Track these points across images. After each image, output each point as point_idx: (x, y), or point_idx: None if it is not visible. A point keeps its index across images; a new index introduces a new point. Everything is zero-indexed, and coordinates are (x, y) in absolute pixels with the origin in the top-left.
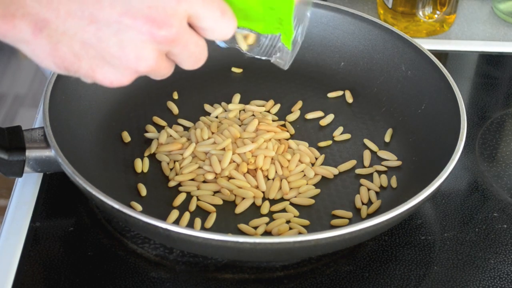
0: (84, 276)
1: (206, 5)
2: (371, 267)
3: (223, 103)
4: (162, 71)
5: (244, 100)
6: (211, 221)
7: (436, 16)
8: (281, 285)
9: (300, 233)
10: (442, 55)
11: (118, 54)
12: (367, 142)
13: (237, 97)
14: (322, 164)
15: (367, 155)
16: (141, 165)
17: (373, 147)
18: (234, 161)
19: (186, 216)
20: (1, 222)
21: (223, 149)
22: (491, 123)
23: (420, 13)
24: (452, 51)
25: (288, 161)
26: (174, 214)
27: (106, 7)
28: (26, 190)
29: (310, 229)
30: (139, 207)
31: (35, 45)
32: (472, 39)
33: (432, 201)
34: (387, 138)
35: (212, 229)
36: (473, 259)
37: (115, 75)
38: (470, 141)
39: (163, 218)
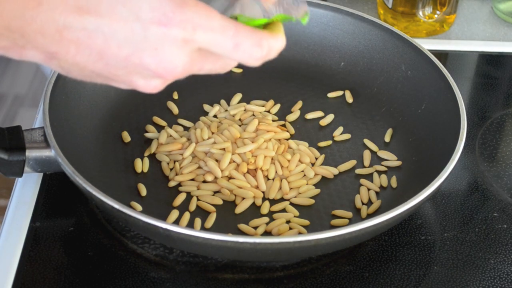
0: (84, 276)
1: (216, 42)
2: (371, 267)
3: (221, 101)
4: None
5: (244, 100)
6: (211, 221)
7: (436, 16)
8: (281, 285)
9: (300, 233)
10: (442, 55)
11: (127, 81)
12: (367, 142)
13: (237, 97)
14: (322, 164)
15: (367, 155)
16: (141, 165)
17: (373, 147)
18: (234, 161)
19: (186, 216)
20: (1, 222)
21: (223, 149)
22: (491, 123)
23: (420, 13)
24: (452, 51)
25: (288, 161)
26: (174, 214)
27: (114, 47)
28: (26, 190)
29: (310, 229)
30: (139, 207)
31: (49, 65)
32: (472, 39)
33: (432, 201)
34: (387, 138)
35: (212, 229)
36: (473, 259)
37: (127, 87)
38: (470, 141)
39: (163, 218)
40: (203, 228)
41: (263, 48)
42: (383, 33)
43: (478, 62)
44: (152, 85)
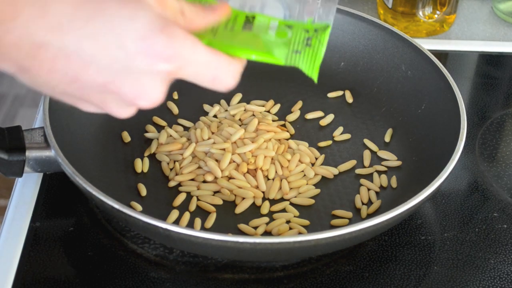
0: (84, 276)
1: (199, 75)
2: (371, 267)
3: (221, 101)
4: None
5: (244, 100)
6: (211, 221)
7: (436, 16)
8: (281, 285)
9: (300, 233)
10: (442, 55)
11: (100, 105)
12: (367, 142)
13: (237, 97)
14: (322, 164)
15: (367, 155)
16: (141, 165)
17: (373, 147)
18: (234, 161)
19: (186, 216)
20: (1, 222)
21: (223, 149)
22: (491, 123)
23: (420, 13)
24: (452, 51)
25: (288, 161)
26: (174, 214)
27: (93, 72)
28: (26, 190)
29: (310, 229)
30: (139, 207)
31: (20, 78)
32: (472, 39)
33: (432, 201)
34: (387, 138)
35: (212, 229)
36: (473, 259)
37: (98, 110)
38: (470, 141)
39: (163, 218)
40: (203, 228)
41: (235, 78)
42: (383, 33)
43: (478, 62)
44: (125, 113)
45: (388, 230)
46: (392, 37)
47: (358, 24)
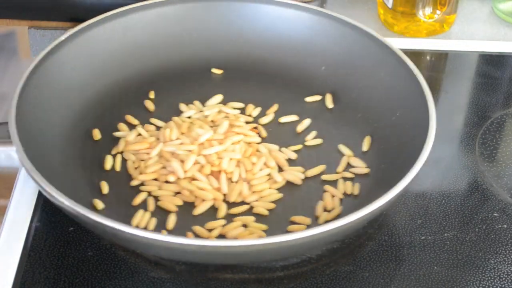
0: (84, 276)
1: None
2: (371, 267)
3: (196, 102)
4: None
5: (223, 102)
6: (170, 222)
7: (436, 16)
8: (281, 285)
9: (260, 237)
10: (442, 55)
11: None
12: (339, 148)
13: (214, 98)
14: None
15: (337, 161)
16: (108, 163)
17: (346, 152)
18: (198, 163)
19: (146, 216)
20: (1, 222)
21: (190, 150)
22: (491, 123)
23: (420, 13)
24: (452, 51)
25: (253, 164)
26: (135, 214)
27: None
28: (26, 190)
29: (268, 233)
30: (100, 204)
31: None
32: (472, 39)
33: (432, 201)
34: (361, 145)
35: (171, 231)
36: (473, 259)
37: None
38: (470, 141)
39: (123, 216)
40: (161, 229)
41: None
42: (364, 38)
43: (478, 62)
44: None
45: (388, 230)
46: (373, 43)
47: (341, 28)
